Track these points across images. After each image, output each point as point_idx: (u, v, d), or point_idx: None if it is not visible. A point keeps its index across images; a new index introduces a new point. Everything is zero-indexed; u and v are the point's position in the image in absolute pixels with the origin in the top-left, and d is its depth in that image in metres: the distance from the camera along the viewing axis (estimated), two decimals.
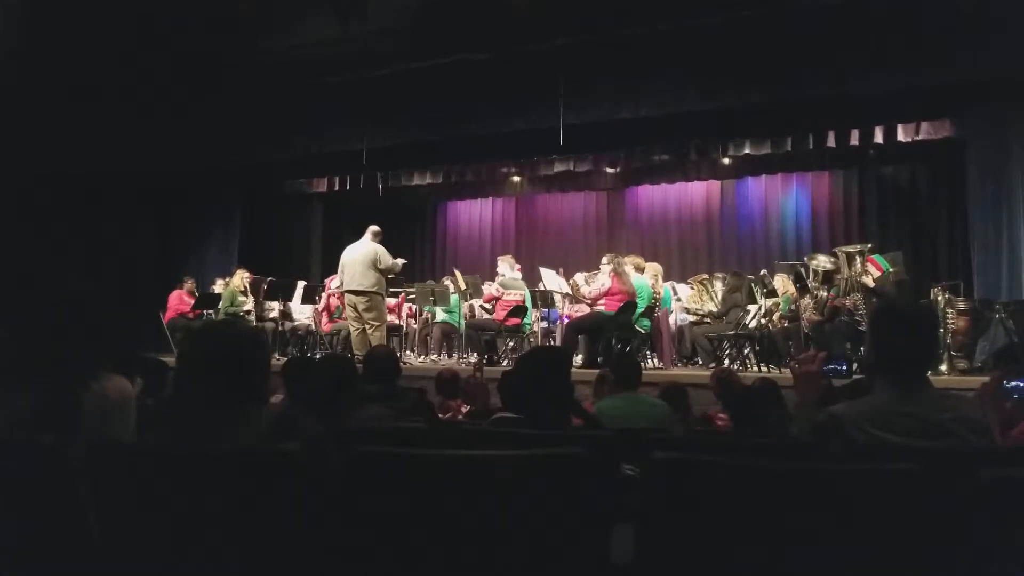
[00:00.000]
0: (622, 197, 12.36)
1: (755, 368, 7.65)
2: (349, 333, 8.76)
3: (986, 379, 2.77)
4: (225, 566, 1.65)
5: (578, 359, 8.04)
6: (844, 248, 7.41)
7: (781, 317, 7.93)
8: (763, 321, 7.96)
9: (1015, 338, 6.30)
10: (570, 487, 1.68)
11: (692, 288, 9.01)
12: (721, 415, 4.58)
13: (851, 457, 2.08)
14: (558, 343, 8.41)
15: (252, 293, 9.81)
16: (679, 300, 9.21)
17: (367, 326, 8.13)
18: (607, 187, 12.27)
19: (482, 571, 1.70)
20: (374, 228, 8.40)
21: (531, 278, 9.40)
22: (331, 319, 9.64)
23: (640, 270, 8.29)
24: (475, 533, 1.69)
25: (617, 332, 7.69)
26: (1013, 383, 2.75)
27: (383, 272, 8.25)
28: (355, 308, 8.18)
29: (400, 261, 8.52)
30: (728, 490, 1.66)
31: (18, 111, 7.89)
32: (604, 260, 7.98)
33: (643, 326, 7.85)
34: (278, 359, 7.62)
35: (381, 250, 8.25)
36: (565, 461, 1.73)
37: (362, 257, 8.16)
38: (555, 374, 2.93)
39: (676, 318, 8.98)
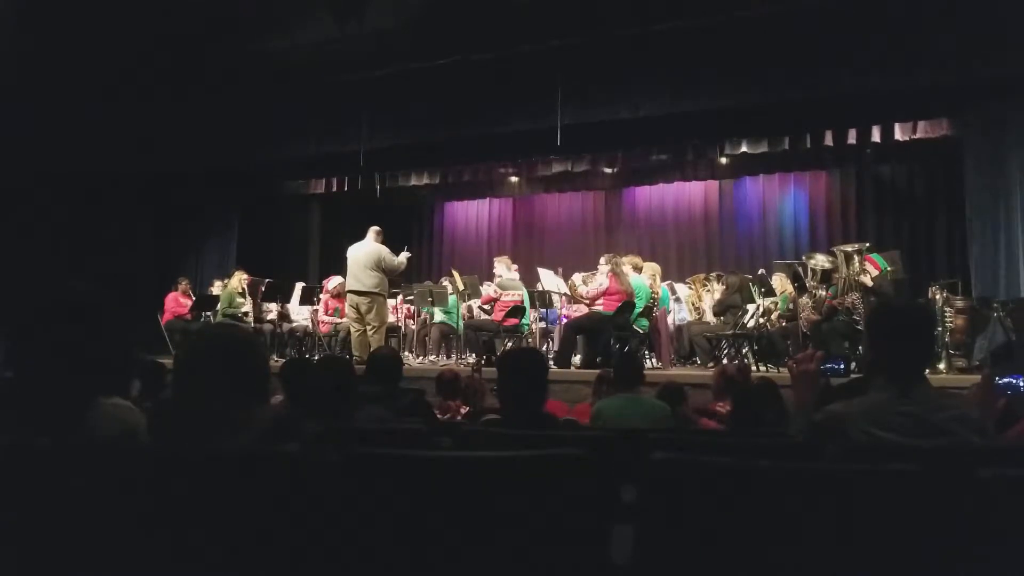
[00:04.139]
0: (620, 197, 12.36)
1: (753, 368, 7.65)
2: (347, 334, 8.76)
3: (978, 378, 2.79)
4: (225, 567, 1.65)
5: (576, 359, 8.05)
6: (842, 247, 7.40)
7: (779, 316, 7.94)
8: (761, 320, 7.96)
9: (1013, 336, 6.30)
10: (570, 487, 1.69)
11: (691, 288, 9.02)
12: (720, 406, 4.59)
13: (850, 457, 2.08)
14: (556, 343, 8.43)
15: (250, 294, 9.81)
16: (677, 300, 9.21)
17: (367, 327, 8.11)
18: (605, 187, 12.28)
19: (482, 571, 1.70)
20: (375, 228, 8.39)
21: (529, 279, 9.40)
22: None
23: (638, 270, 8.30)
24: (475, 533, 1.69)
25: (615, 332, 7.70)
26: (1005, 380, 2.76)
27: (387, 272, 8.24)
28: (357, 309, 8.17)
29: (404, 255, 8.50)
30: (728, 490, 1.66)
31: (18, 111, 7.89)
32: (602, 260, 7.99)
33: (641, 326, 7.86)
34: (276, 360, 7.62)
35: (384, 250, 8.24)
36: (565, 461, 1.73)
37: (364, 257, 8.15)
38: (521, 376, 2.96)
39: (674, 318, 8.98)
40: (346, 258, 8.48)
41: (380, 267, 8.14)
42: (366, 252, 8.19)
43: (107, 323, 2.00)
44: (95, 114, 8.76)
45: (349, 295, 8.27)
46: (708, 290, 8.76)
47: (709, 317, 8.51)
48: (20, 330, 1.95)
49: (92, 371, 1.95)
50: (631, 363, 4.99)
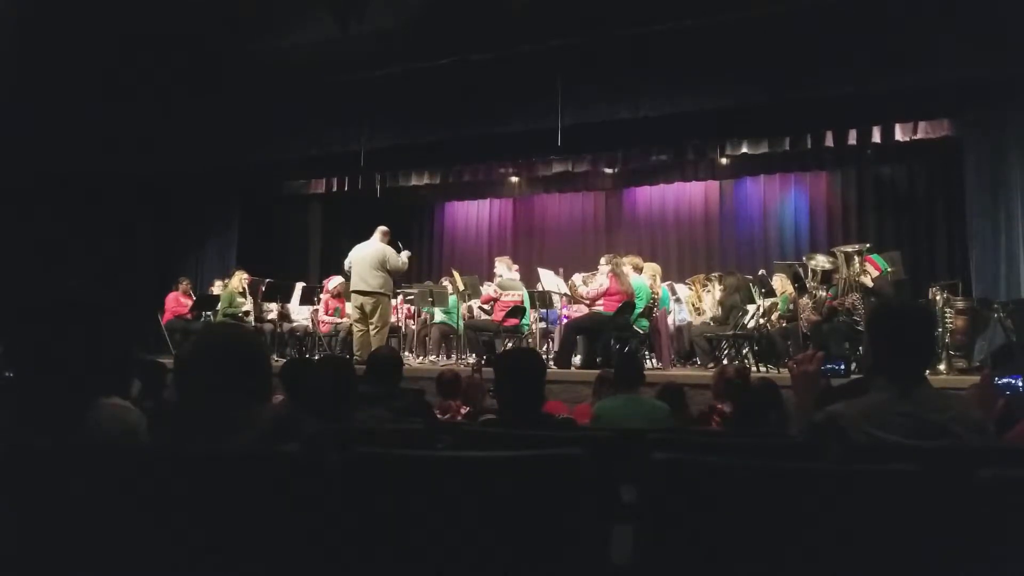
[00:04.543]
0: (620, 198, 12.36)
1: (754, 368, 7.65)
2: (348, 334, 8.74)
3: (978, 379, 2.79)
4: (225, 567, 1.65)
5: (577, 359, 8.05)
6: (842, 248, 7.41)
7: (779, 317, 7.93)
8: (761, 321, 7.96)
9: (1013, 337, 6.30)
10: (570, 487, 1.69)
11: (691, 289, 9.02)
12: (722, 407, 4.58)
13: (850, 457, 2.08)
14: (557, 344, 8.42)
15: (251, 294, 9.81)
16: (678, 300, 9.21)
17: (370, 327, 8.09)
18: (605, 188, 12.28)
19: (482, 571, 1.70)
20: (383, 228, 8.37)
21: (530, 279, 9.40)
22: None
23: (638, 270, 8.30)
24: (475, 533, 1.69)
25: (615, 332, 7.70)
26: (1004, 380, 2.77)
27: (391, 272, 8.22)
28: (361, 309, 8.14)
29: (406, 254, 8.49)
30: (728, 490, 1.66)
31: (18, 111, 7.88)
32: (602, 261, 7.98)
33: (641, 326, 7.86)
34: (277, 360, 7.61)
35: (390, 250, 8.22)
36: (565, 461, 1.73)
37: (370, 257, 8.12)
38: (519, 376, 2.95)
39: (675, 318, 8.98)
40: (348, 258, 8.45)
41: (385, 267, 8.12)
42: (372, 252, 8.16)
43: (105, 323, 1.99)
44: (95, 114, 8.75)
45: (353, 295, 8.22)
46: (708, 291, 8.76)
47: (709, 317, 8.52)
48: (19, 330, 1.95)
49: (91, 371, 1.95)
50: (632, 363, 4.98)
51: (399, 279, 9.14)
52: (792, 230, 11.22)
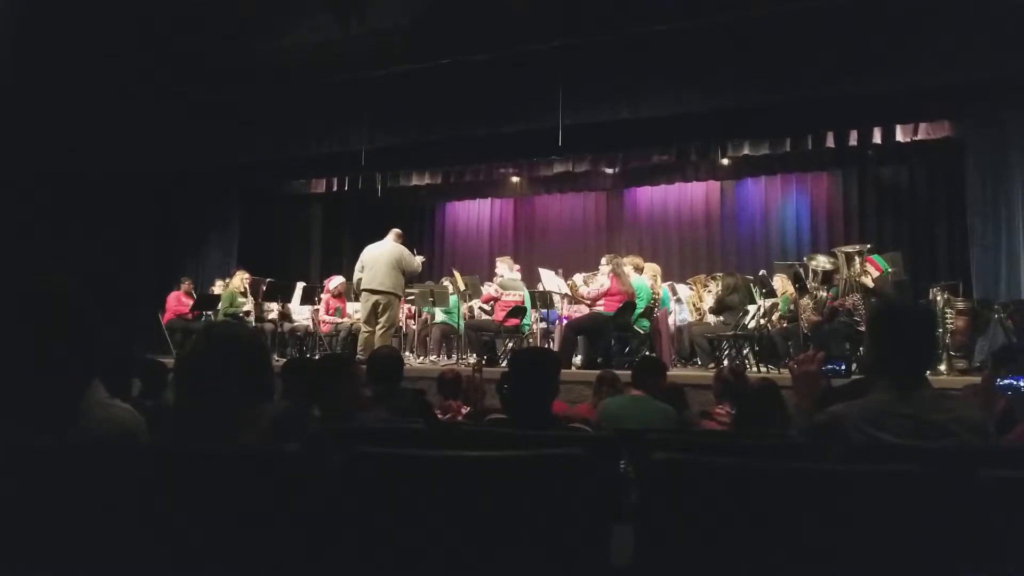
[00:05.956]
0: (621, 198, 12.36)
1: (754, 368, 7.65)
2: (348, 333, 8.72)
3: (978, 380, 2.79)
4: (225, 567, 1.65)
5: (577, 359, 8.05)
6: (843, 248, 7.41)
7: (780, 317, 7.93)
8: (762, 321, 7.96)
9: (1014, 338, 6.30)
10: (570, 487, 1.69)
11: (692, 289, 9.02)
12: (720, 410, 4.58)
13: (851, 457, 2.08)
14: (557, 344, 8.42)
15: (252, 294, 9.81)
16: (678, 301, 9.21)
17: (378, 327, 8.07)
18: (606, 188, 12.28)
19: (481, 572, 1.70)
20: (397, 231, 8.36)
21: (530, 279, 9.41)
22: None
23: (639, 270, 8.30)
24: (475, 534, 1.69)
25: (616, 333, 7.69)
26: (1006, 381, 2.76)
27: (406, 273, 8.22)
28: (374, 307, 8.09)
29: (420, 259, 8.49)
30: (728, 490, 1.66)
31: (18, 111, 7.88)
32: (603, 261, 7.99)
33: (642, 327, 7.86)
34: (277, 360, 7.61)
35: (405, 252, 8.21)
36: (565, 461, 1.73)
37: (386, 257, 8.10)
38: (535, 375, 2.93)
39: (675, 318, 8.98)
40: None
41: (400, 267, 8.11)
42: (388, 252, 8.13)
43: (103, 322, 1.98)
44: (96, 114, 8.75)
45: (365, 293, 8.18)
46: (709, 291, 8.76)
47: (710, 318, 8.51)
48: (17, 329, 1.93)
49: (89, 370, 1.94)
50: (653, 364, 4.89)
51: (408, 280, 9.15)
52: (793, 231, 11.23)
